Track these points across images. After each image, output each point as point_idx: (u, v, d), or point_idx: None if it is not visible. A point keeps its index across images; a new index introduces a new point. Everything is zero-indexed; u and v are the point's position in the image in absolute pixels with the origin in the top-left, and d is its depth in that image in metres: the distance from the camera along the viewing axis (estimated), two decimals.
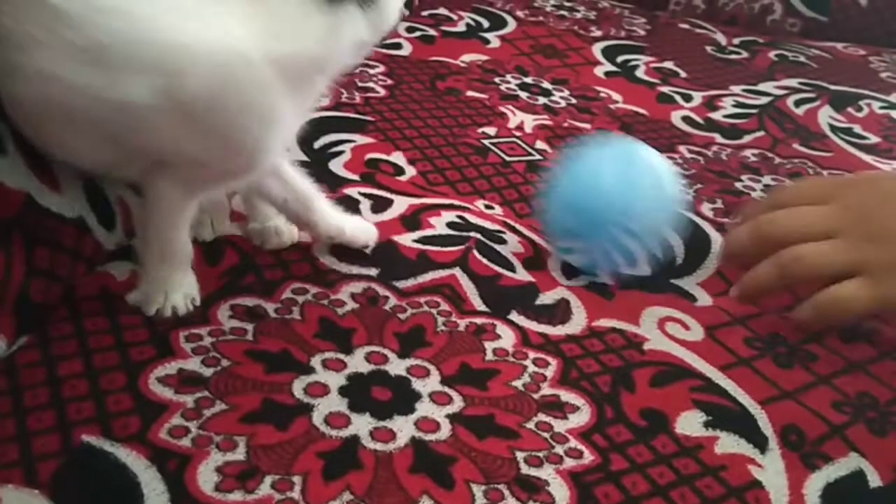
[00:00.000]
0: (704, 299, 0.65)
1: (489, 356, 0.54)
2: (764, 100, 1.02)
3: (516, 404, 0.50)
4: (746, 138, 0.92)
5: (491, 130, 0.84)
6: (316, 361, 0.51)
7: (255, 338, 0.52)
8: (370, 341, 0.53)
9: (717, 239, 0.72)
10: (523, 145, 0.83)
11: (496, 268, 0.63)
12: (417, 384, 0.50)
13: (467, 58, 1.01)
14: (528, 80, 0.97)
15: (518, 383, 0.52)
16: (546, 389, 0.52)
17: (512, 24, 1.13)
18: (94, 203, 0.56)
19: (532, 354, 0.54)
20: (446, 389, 0.50)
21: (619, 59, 1.08)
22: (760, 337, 0.60)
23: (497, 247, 0.65)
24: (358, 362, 0.51)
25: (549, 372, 0.53)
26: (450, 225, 0.67)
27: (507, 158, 0.80)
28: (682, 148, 0.87)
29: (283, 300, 0.56)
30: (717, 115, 0.96)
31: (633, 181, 0.62)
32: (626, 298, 0.63)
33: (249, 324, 0.53)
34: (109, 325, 0.52)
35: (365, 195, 0.69)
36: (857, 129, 0.98)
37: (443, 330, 0.55)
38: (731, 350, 0.58)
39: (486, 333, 0.56)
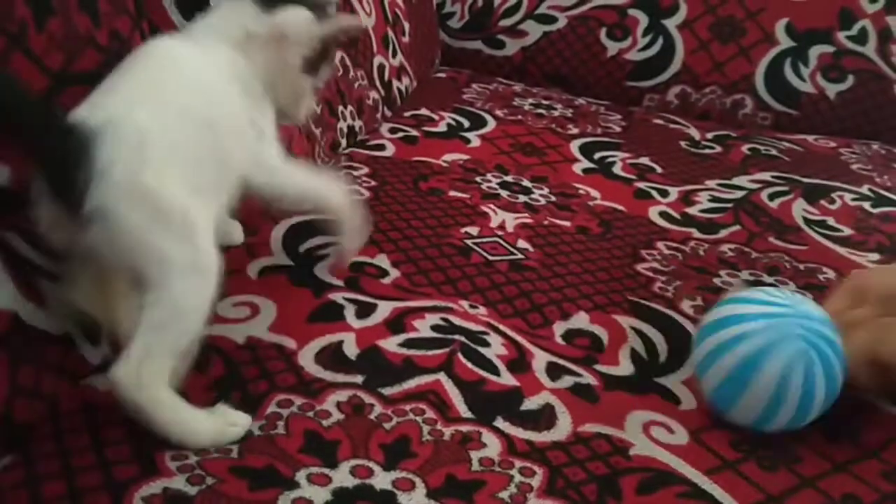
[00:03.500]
0: (688, 399, 0.65)
1: (475, 466, 0.54)
2: (738, 194, 1.04)
3: None
4: (723, 233, 0.94)
5: (473, 230, 0.86)
6: (301, 476, 0.51)
7: (240, 454, 0.52)
8: (355, 454, 0.53)
9: None
10: (505, 245, 0.84)
11: (481, 372, 0.63)
12: (403, 498, 0.50)
13: (449, 157, 1.03)
14: (509, 178, 1.00)
15: (504, 494, 0.52)
16: (533, 500, 0.51)
17: (492, 124, 1.16)
18: (79, 318, 0.56)
19: (518, 463, 0.54)
20: (432, 503, 0.50)
21: (597, 155, 1.11)
22: (745, 438, 0.60)
23: (481, 349, 0.66)
24: (343, 477, 0.51)
25: (536, 482, 0.53)
26: (434, 328, 0.68)
27: (490, 258, 0.81)
28: (660, 244, 0.89)
29: (267, 416, 0.56)
30: (693, 210, 0.98)
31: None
32: (610, 401, 0.63)
33: (235, 443, 0.53)
34: (92, 441, 0.52)
35: (349, 300, 0.70)
36: (831, 221, 1.00)
37: (428, 439, 0.55)
38: (717, 453, 0.58)
39: (471, 442, 0.56)
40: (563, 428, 0.59)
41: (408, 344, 0.65)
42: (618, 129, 1.23)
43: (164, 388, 0.51)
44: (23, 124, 0.50)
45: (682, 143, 1.21)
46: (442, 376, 0.62)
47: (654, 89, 1.39)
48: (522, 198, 0.95)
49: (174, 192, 0.53)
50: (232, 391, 0.58)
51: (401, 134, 1.09)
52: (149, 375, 0.51)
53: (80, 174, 0.49)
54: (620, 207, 0.97)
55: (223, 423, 0.53)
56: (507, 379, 0.63)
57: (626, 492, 0.54)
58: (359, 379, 0.60)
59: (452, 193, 0.94)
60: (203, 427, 0.52)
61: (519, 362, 0.66)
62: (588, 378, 0.65)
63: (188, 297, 0.52)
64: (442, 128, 1.13)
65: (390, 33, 1.19)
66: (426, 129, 1.12)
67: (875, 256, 0.92)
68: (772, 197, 1.04)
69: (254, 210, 0.83)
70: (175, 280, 0.52)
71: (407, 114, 1.16)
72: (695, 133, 1.26)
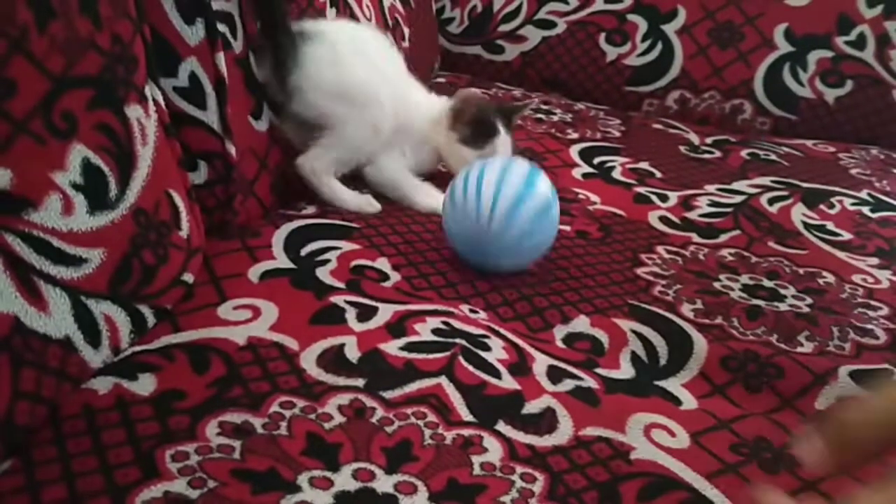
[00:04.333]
0: (689, 402, 0.65)
1: (477, 470, 0.53)
2: (738, 198, 1.04)
3: None
4: (723, 237, 0.94)
5: None
6: (303, 479, 0.51)
7: (242, 456, 0.52)
8: (357, 457, 0.53)
9: (698, 339, 0.73)
10: None
11: (482, 375, 0.63)
12: (405, 501, 0.50)
13: None
14: None
15: (506, 499, 0.51)
16: None
17: None
18: (81, 322, 0.56)
19: (519, 469, 0.54)
20: None
21: (596, 160, 1.11)
22: (746, 442, 0.60)
23: (482, 353, 0.66)
24: (345, 480, 0.51)
25: (537, 487, 0.53)
26: (435, 331, 0.68)
27: None
28: (660, 248, 0.89)
29: (270, 415, 0.56)
30: (692, 215, 0.99)
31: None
32: (611, 404, 0.63)
33: (237, 440, 0.53)
34: (92, 445, 0.52)
35: (351, 303, 0.70)
36: (830, 225, 1.00)
37: (430, 443, 0.55)
38: (718, 457, 0.58)
39: (473, 446, 0.55)
40: (564, 431, 0.59)
41: (409, 347, 0.65)
42: (617, 134, 1.24)
43: (327, 176, 0.87)
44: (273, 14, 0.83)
45: (682, 148, 1.21)
46: (443, 380, 0.62)
47: (654, 94, 1.40)
48: None
49: (358, 75, 0.87)
50: (233, 388, 0.58)
51: None
52: (318, 167, 0.86)
53: (290, 61, 0.83)
54: (620, 212, 0.97)
55: (364, 201, 0.87)
56: (509, 382, 0.63)
57: (626, 498, 0.53)
58: (360, 382, 0.60)
59: None
60: (352, 199, 0.87)
61: (520, 366, 0.66)
62: (589, 381, 0.65)
63: (354, 138, 0.88)
64: None
65: (390, 38, 1.19)
66: None
67: (874, 261, 0.92)
68: (771, 201, 1.05)
69: (254, 213, 0.83)
70: (347, 129, 0.87)
71: None
72: (694, 138, 1.26)
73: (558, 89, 1.41)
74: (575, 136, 1.19)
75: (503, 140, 0.95)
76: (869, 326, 0.78)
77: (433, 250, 0.81)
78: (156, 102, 0.67)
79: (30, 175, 0.53)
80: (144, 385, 0.57)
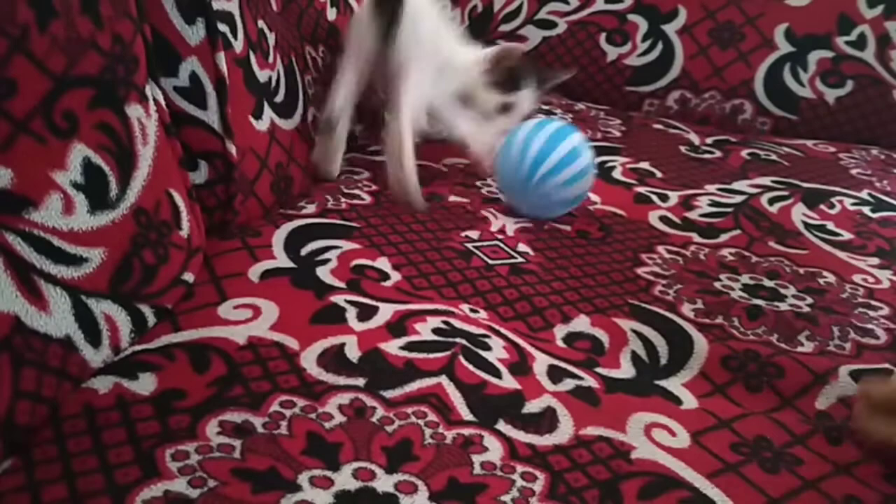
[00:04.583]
0: (689, 401, 0.65)
1: (477, 470, 0.53)
2: (738, 198, 1.04)
3: None
4: (723, 237, 0.94)
5: (474, 234, 0.86)
6: (303, 479, 0.51)
7: (242, 455, 0.52)
8: (358, 456, 0.53)
9: (699, 339, 0.73)
10: (506, 248, 0.84)
11: (482, 374, 0.63)
12: (405, 501, 0.50)
13: (449, 161, 1.03)
14: None
15: (506, 498, 0.51)
16: None
17: None
18: (81, 321, 0.56)
19: (520, 468, 0.54)
20: None
21: (597, 160, 1.11)
22: (747, 441, 0.60)
23: (482, 353, 0.66)
24: (345, 479, 0.51)
25: (538, 486, 0.53)
26: (435, 331, 0.68)
27: (491, 262, 0.81)
28: (660, 248, 0.89)
29: (270, 414, 0.56)
30: (693, 215, 0.99)
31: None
32: (612, 403, 0.63)
33: (237, 440, 0.53)
34: (93, 444, 0.52)
35: (351, 303, 0.70)
36: (831, 225, 1.00)
37: (430, 443, 0.55)
38: (718, 456, 0.58)
39: (473, 446, 0.55)
40: (564, 431, 0.59)
41: (409, 347, 0.65)
42: (617, 134, 1.24)
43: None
44: None
45: (682, 148, 1.21)
46: (444, 379, 0.62)
47: (654, 94, 1.40)
48: None
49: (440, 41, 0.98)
50: (233, 387, 0.58)
51: None
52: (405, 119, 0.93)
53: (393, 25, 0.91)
54: (620, 212, 0.97)
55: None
56: (509, 382, 0.63)
57: (627, 497, 0.53)
58: (360, 382, 0.60)
59: (452, 198, 0.94)
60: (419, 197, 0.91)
61: (520, 365, 0.66)
62: (589, 381, 0.65)
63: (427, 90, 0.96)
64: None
65: None
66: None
67: (875, 261, 0.92)
68: (772, 201, 1.05)
69: (255, 213, 0.83)
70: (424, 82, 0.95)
71: None
72: (694, 138, 1.26)
73: (559, 89, 1.41)
74: None
75: (527, 95, 1.03)
76: (869, 326, 0.78)
77: (433, 250, 0.81)
78: (156, 102, 0.67)
79: (30, 174, 0.53)
80: (145, 384, 0.57)
